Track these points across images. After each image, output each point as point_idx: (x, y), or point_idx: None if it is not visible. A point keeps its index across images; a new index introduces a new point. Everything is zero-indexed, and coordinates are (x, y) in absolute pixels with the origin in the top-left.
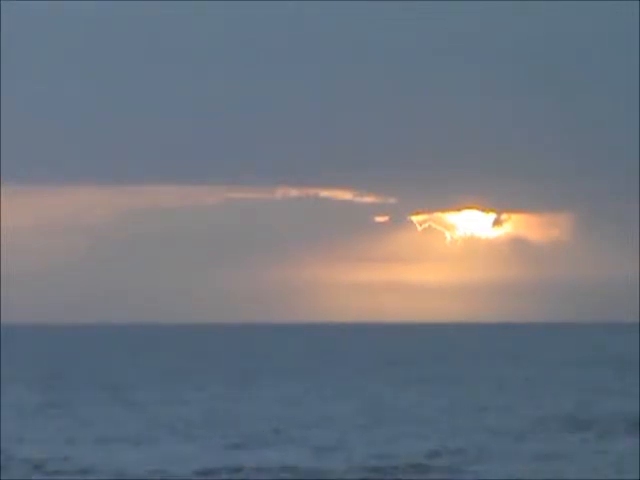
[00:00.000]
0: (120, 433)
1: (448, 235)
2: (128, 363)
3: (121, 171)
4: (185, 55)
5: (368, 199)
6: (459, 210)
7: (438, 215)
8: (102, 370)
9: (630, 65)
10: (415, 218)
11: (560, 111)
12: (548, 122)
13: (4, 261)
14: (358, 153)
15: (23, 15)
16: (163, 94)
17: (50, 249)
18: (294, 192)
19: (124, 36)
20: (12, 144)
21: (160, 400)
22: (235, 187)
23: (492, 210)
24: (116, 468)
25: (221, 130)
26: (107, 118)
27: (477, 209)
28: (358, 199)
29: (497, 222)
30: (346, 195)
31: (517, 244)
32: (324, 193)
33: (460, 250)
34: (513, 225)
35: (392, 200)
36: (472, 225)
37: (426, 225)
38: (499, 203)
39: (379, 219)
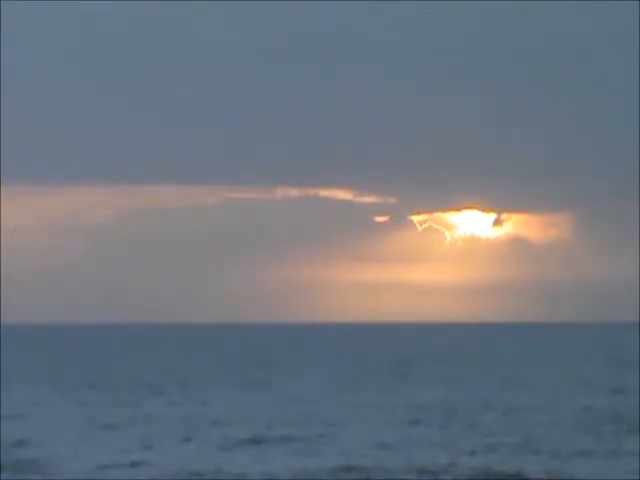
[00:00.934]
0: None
1: (448, 235)
2: (159, 362)
3: (121, 171)
4: (185, 55)
5: (368, 199)
6: (459, 210)
7: (438, 215)
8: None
9: (630, 65)
10: (415, 218)
11: (560, 111)
12: (548, 122)
13: (4, 261)
14: (358, 153)
15: (23, 15)
16: (163, 94)
17: (50, 249)
18: (294, 192)
19: (124, 36)
20: (12, 144)
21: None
22: (235, 187)
23: (492, 210)
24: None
25: (221, 130)
26: (107, 118)
27: (477, 209)
28: (358, 199)
29: (497, 222)
30: (346, 195)
31: (517, 244)
32: (324, 193)
33: (460, 250)
34: (513, 225)
35: (392, 200)
36: (472, 225)
37: (426, 225)
38: (499, 203)
39: (379, 219)
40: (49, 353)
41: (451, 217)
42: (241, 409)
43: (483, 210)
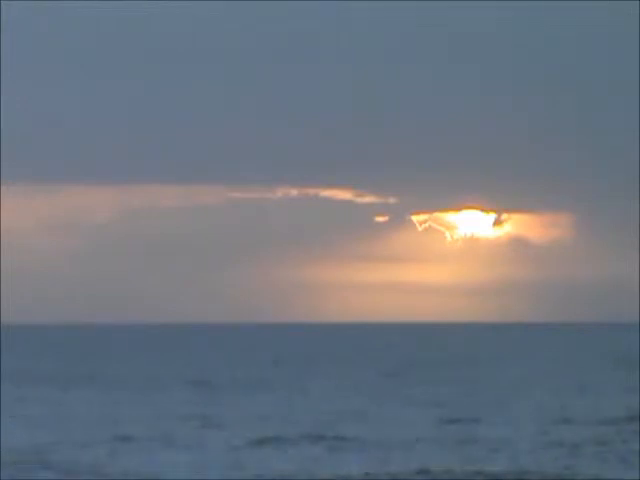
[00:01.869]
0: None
1: (448, 235)
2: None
3: (121, 171)
4: (185, 54)
5: (368, 199)
6: (459, 210)
7: (438, 215)
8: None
9: (630, 65)
10: (415, 218)
11: (560, 111)
12: (548, 122)
13: (4, 261)
14: (358, 153)
15: (23, 15)
16: (163, 93)
17: (50, 249)
18: (294, 192)
19: (124, 35)
20: (12, 144)
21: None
22: (235, 187)
23: (492, 210)
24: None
25: (221, 130)
26: (107, 118)
27: (477, 209)
28: (358, 199)
29: (497, 222)
30: (346, 195)
31: (517, 244)
32: (324, 193)
33: (460, 250)
34: (513, 225)
35: (392, 200)
36: (472, 225)
37: (426, 225)
38: (499, 203)
39: (379, 219)
40: (49, 353)
41: (451, 217)
42: (253, 409)
43: (483, 210)
